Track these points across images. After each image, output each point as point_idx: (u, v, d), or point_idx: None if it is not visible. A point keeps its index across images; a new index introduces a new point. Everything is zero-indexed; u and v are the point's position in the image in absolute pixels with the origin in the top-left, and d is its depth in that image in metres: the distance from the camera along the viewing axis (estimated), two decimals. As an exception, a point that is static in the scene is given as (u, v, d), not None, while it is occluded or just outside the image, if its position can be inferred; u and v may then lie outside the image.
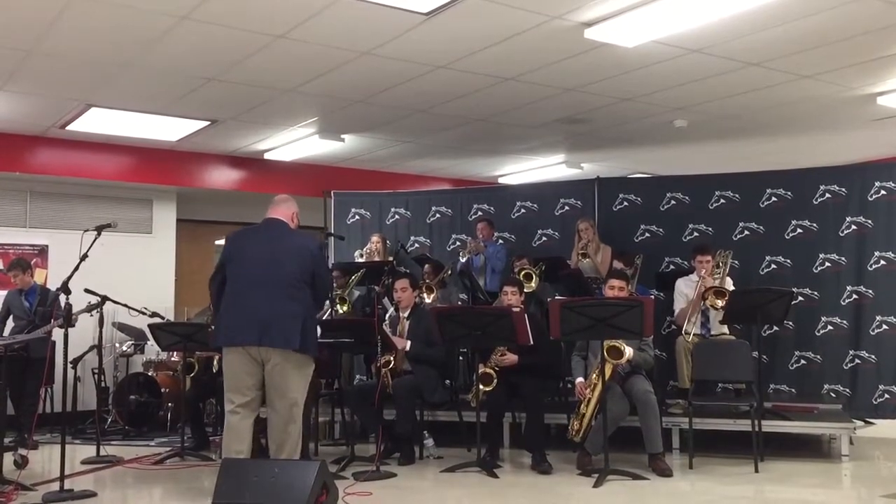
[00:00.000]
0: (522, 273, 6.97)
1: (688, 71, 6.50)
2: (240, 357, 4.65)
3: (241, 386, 4.67)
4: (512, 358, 6.00)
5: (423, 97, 7.19)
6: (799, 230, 7.52)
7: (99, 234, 5.48)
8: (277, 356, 4.60)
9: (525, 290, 6.50)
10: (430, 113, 7.73)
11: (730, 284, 6.75)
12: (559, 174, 10.42)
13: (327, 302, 7.27)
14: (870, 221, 7.28)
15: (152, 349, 8.19)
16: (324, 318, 7.18)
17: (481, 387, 5.92)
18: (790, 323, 7.18)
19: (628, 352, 5.59)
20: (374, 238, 8.37)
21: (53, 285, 7.39)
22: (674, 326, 7.29)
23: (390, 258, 7.88)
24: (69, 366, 5.84)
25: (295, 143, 8.79)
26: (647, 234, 8.09)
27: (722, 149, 9.41)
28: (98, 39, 5.71)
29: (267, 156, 9.38)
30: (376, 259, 8.07)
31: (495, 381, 5.92)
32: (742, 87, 6.95)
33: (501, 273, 7.78)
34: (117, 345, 8.60)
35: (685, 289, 6.87)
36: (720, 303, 6.43)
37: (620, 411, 5.62)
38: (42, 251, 8.99)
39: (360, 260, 8.26)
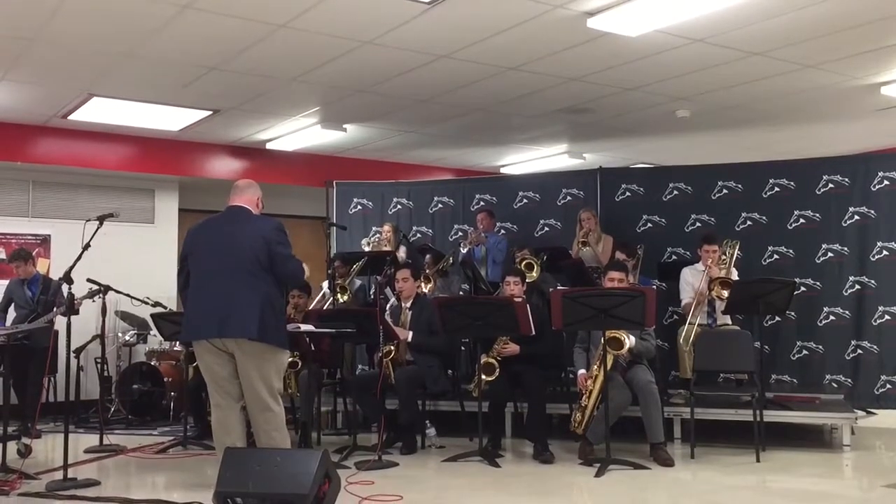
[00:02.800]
0: (524, 262, 6.96)
1: (691, 60, 6.47)
2: (207, 351, 4.59)
3: (216, 378, 4.62)
4: (514, 348, 6.01)
5: (425, 87, 7.17)
6: (802, 220, 7.51)
7: (101, 223, 5.47)
8: (239, 347, 4.51)
9: (527, 280, 6.50)
10: (432, 102, 7.71)
11: (734, 275, 6.74)
12: (561, 164, 10.40)
13: (327, 291, 7.30)
14: (872, 212, 7.27)
15: (155, 339, 8.22)
16: (324, 307, 7.22)
17: (483, 377, 5.93)
18: (792, 313, 7.17)
19: (629, 341, 5.60)
20: (386, 227, 8.38)
21: (56, 275, 7.40)
22: (676, 317, 7.29)
23: (400, 247, 7.91)
24: (72, 355, 5.83)
25: (297, 132, 8.77)
26: (650, 225, 8.08)
27: (725, 139, 9.38)
28: (100, 29, 5.70)
29: (269, 146, 9.37)
30: (387, 248, 8.09)
31: (497, 371, 5.93)
32: (745, 76, 6.92)
33: (502, 264, 7.78)
34: (120, 334, 8.61)
35: (691, 278, 6.86)
36: (726, 293, 6.41)
37: (622, 401, 5.63)
38: (44, 241, 8.99)
39: (367, 249, 8.27)
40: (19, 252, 7.69)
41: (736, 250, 6.88)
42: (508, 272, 6.47)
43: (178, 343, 7.88)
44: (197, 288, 4.66)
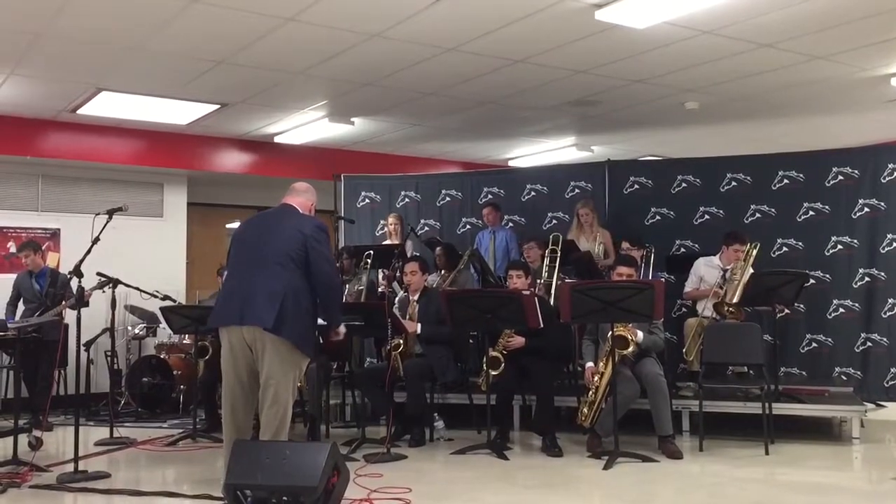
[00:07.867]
0: None
1: (699, 52, 6.45)
2: (228, 340, 4.50)
3: (230, 370, 4.52)
4: (518, 340, 6.00)
5: (432, 80, 7.16)
6: (811, 213, 7.48)
7: (110, 217, 5.49)
8: (259, 338, 4.37)
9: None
10: (439, 95, 7.70)
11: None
12: (569, 157, 10.39)
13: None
14: (882, 204, 7.23)
15: (164, 332, 8.24)
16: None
17: (489, 370, 5.92)
18: (801, 306, 7.14)
19: (638, 336, 5.60)
20: (391, 218, 8.39)
21: (66, 269, 7.43)
22: (684, 309, 7.27)
23: (407, 241, 7.94)
24: (82, 348, 5.87)
25: (305, 126, 8.78)
26: (658, 217, 8.06)
27: (733, 131, 9.35)
28: (108, 23, 5.70)
29: (277, 139, 9.38)
30: (394, 240, 8.10)
31: (503, 364, 5.93)
32: (754, 68, 6.89)
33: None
34: (129, 328, 8.65)
35: (703, 271, 6.83)
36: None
37: (630, 394, 5.63)
38: (54, 235, 9.03)
39: (386, 241, 8.28)
40: (29, 242, 7.73)
41: (755, 252, 6.80)
42: (511, 266, 6.46)
43: (186, 336, 7.92)
44: (228, 277, 4.67)
